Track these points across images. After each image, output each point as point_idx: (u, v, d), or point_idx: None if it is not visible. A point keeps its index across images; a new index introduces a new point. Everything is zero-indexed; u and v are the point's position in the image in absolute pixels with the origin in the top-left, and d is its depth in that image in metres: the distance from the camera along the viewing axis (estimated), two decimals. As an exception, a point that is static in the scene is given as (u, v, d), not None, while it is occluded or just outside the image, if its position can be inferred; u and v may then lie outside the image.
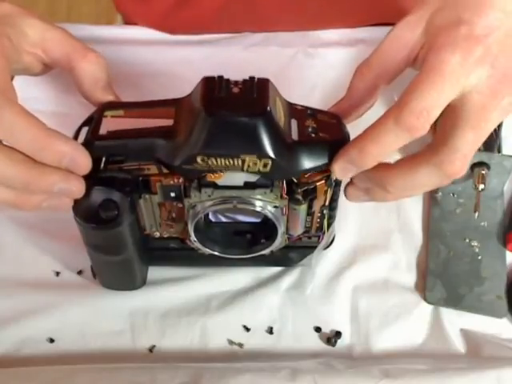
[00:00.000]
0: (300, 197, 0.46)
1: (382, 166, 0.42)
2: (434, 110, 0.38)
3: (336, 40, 0.69)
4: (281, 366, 0.49)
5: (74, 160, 0.41)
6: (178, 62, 0.67)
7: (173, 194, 0.46)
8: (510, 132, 0.61)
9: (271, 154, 0.41)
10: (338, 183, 0.47)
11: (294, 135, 0.42)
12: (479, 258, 0.56)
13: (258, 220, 0.50)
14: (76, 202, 0.44)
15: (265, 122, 0.40)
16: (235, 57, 0.68)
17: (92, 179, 0.43)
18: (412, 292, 0.55)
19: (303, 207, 0.47)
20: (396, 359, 0.51)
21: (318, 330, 0.53)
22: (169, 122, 0.42)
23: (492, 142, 0.56)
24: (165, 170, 0.44)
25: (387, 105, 0.41)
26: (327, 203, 0.48)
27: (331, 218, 0.50)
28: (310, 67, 0.67)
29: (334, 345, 0.52)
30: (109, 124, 0.43)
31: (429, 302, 0.54)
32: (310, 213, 0.48)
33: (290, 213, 0.47)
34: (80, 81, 0.45)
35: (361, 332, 0.53)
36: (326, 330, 0.53)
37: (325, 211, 0.49)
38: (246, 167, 0.42)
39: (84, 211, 0.44)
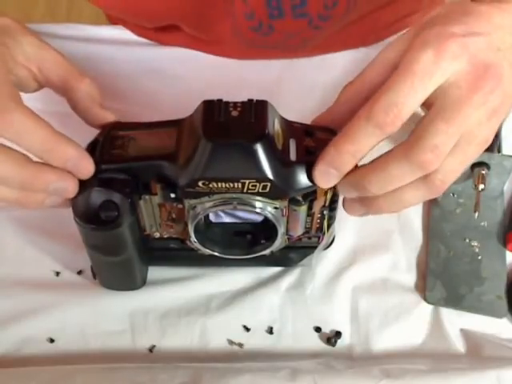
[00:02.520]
0: (300, 198, 0.46)
1: (360, 168, 0.42)
2: (404, 106, 0.38)
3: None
4: (281, 366, 0.50)
5: (78, 164, 0.42)
6: (179, 62, 0.67)
7: (173, 195, 0.46)
8: (510, 132, 0.61)
9: (270, 177, 0.42)
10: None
11: (293, 156, 0.43)
12: (479, 258, 0.56)
13: (258, 219, 0.50)
14: (76, 203, 0.44)
15: (263, 146, 0.41)
16: (235, 57, 0.68)
17: (92, 180, 0.43)
18: (412, 292, 0.55)
19: (303, 208, 0.47)
20: (396, 359, 0.51)
21: (318, 330, 0.53)
22: (171, 145, 0.43)
23: (492, 142, 0.56)
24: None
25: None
26: (327, 204, 0.48)
27: (331, 219, 0.50)
28: (310, 67, 0.67)
29: (334, 345, 0.52)
30: (113, 146, 0.44)
31: (429, 302, 0.54)
32: (310, 214, 0.48)
33: (290, 214, 0.47)
34: (78, 100, 0.46)
35: (361, 332, 0.53)
36: (326, 329, 0.53)
37: (325, 212, 0.49)
38: (245, 189, 0.43)
39: (84, 212, 0.44)
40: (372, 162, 0.41)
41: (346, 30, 0.65)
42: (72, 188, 0.43)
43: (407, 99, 0.38)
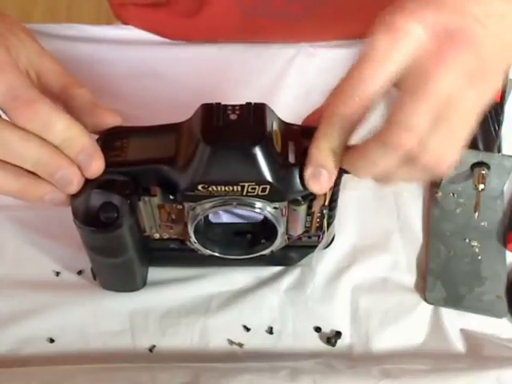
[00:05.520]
0: (299, 197, 0.46)
1: (345, 155, 0.42)
2: (364, 94, 0.38)
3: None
4: (281, 366, 0.50)
5: (91, 156, 0.42)
6: (178, 63, 0.67)
7: (172, 196, 0.46)
8: (510, 132, 0.61)
9: (269, 179, 0.42)
10: (336, 183, 0.47)
11: (291, 158, 0.43)
12: (479, 258, 0.56)
13: (258, 217, 0.50)
14: (76, 205, 0.44)
15: (262, 149, 0.41)
16: (235, 57, 0.68)
17: (91, 182, 0.43)
18: (412, 292, 0.55)
19: (303, 208, 0.47)
20: (396, 359, 0.51)
21: (317, 330, 0.53)
22: (170, 149, 0.44)
23: (492, 142, 0.56)
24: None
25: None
26: (327, 203, 0.48)
27: (331, 218, 0.50)
28: (309, 67, 0.67)
29: (334, 345, 0.52)
30: (112, 151, 0.44)
31: (429, 302, 0.54)
32: (309, 213, 0.48)
33: (290, 213, 0.47)
34: (80, 106, 0.45)
35: (361, 332, 0.53)
36: (326, 329, 0.53)
37: (324, 211, 0.49)
38: (245, 192, 0.43)
39: (84, 214, 0.44)
40: (354, 147, 0.41)
41: (348, 19, 0.65)
42: (77, 181, 0.43)
43: (367, 87, 0.38)
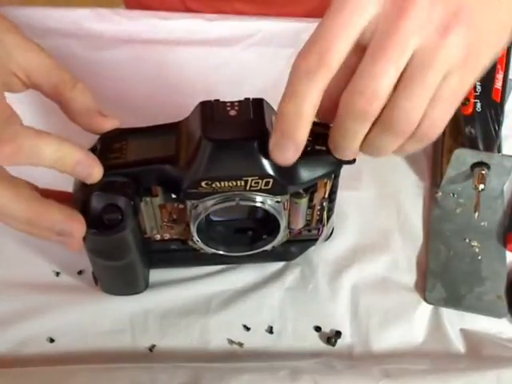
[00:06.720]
0: (301, 190, 0.46)
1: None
2: (330, 51, 0.35)
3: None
4: (281, 366, 0.50)
5: (88, 166, 0.42)
6: (178, 63, 0.67)
7: (174, 196, 0.46)
8: (510, 132, 0.61)
9: (271, 173, 0.42)
10: (336, 175, 0.47)
11: None
12: (479, 258, 0.56)
13: (259, 216, 0.50)
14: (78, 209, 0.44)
15: (263, 143, 0.41)
16: (234, 57, 0.68)
17: (92, 185, 0.43)
18: (412, 292, 0.55)
19: (304, 201, 0.47)
20: (396, 359, 0.51)
21: (317, 329, 0.53)
22: (171, 148, 0.44)
23: (492, 142, 0.56)
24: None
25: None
26: (327, 195, 0.48)
27: (330, 210, 0.51)
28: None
29: (334, 345, 0.52)
30: (112, 153, 0.44)
31: (429, 302, 0.54)
32: (310, 206, 0.49)
33: (292, 207, 0.48)
34: (75, 111, 0.44)
35: (361, 332, 0.53)
36: (325, 329, 0.53)
37: (324, 203, 0.49)
38: (248, 187, 0.43)
39: (87, 218, 0.43)
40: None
41: None
42: (78, 232, 0.43)
43: (334, 47, 0.35)
